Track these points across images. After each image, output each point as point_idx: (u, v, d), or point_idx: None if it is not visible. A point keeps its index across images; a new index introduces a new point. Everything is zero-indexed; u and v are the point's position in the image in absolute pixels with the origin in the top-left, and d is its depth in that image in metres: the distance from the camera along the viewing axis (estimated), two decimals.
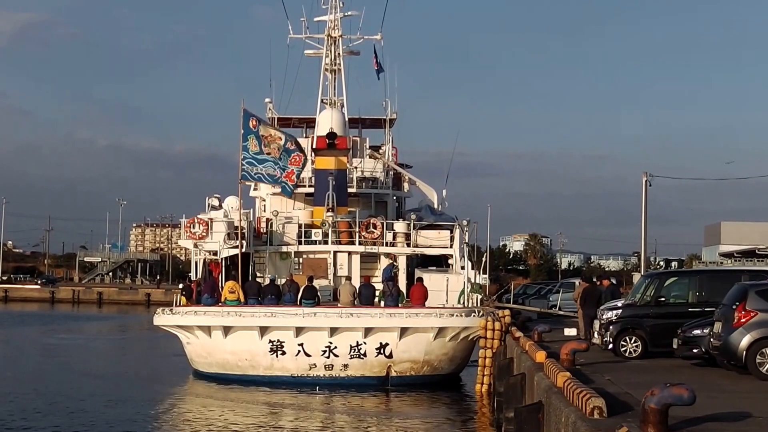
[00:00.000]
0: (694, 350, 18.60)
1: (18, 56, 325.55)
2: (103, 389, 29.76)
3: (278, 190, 35.86)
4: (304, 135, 42.97)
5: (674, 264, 66.79)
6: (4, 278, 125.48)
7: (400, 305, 31.08)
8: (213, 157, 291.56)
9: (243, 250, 32.84)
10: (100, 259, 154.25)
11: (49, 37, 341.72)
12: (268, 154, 33.06)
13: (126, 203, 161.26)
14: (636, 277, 41.88)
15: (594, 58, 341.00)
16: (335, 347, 30.16)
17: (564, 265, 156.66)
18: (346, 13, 41.25)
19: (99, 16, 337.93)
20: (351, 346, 30.16)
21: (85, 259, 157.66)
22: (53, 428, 22.23)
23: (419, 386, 29.80)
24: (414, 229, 35.11)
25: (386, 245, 34.88)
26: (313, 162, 36.86)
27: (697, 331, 18.59)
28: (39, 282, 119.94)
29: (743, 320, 16.43)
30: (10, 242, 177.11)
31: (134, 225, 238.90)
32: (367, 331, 30.08)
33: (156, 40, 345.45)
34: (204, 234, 33.03)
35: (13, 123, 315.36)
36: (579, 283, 29.76)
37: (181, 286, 38.95)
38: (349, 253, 34.76)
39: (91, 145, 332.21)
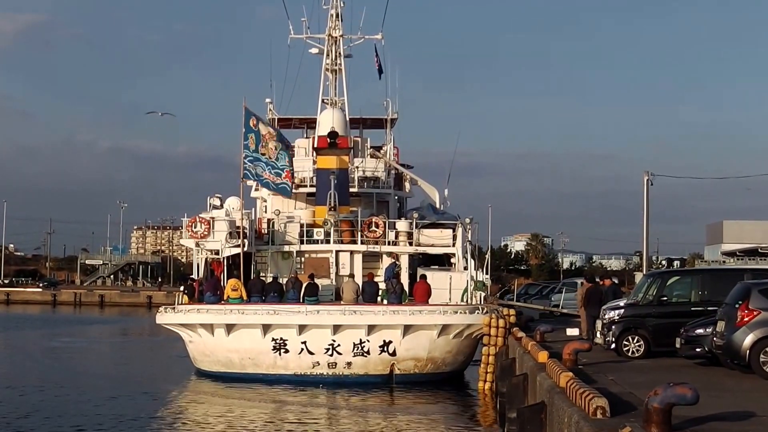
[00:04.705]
0: (697, 349, 18.57)
1: (19, 57, 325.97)
2: (106, 390, 29.77)
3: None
4: (305, 135, 43.03)
5: (676, 263, 66.52)
6: (6, 281, 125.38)
7: (403, 303, 31.06)
8: (215, 159, 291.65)
9: (245, 249, 32.86)
10: (101, 262, 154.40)
11: (50, 38, 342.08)
12: (263, 154, 33.10)
13: (127, 205, 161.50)
14: (638, 277, 41.85)
15: (595, 56, 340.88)
16: (338, 345, 30.17)
17: (566, 265, 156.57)
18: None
19: (101, 17, 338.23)
20: (354, 344, 30.16)
21: (87, 261, 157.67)
22: (57, 428, 22.23)
23: (423, 384, 29.80)
24: (416, 227, 35.11)
25: (388, 244, 34.89)
26: (314, 162, 36.93)
27: (699, 331, 18.56)
28: (40, 285, 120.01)
29: (746, 319, 16.39)
30: (12, 245, 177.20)
31: (135, 227, 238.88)
32: (371, 328, 30.08)
33: (158, 41, 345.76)
34: (206, 233, 33.03)
35: (13, 125, 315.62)
36: (582, 283, 29.73)
37: (182, 288, 38.96)
38: (351, 252, 34.77)
39: (92, 147, 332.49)
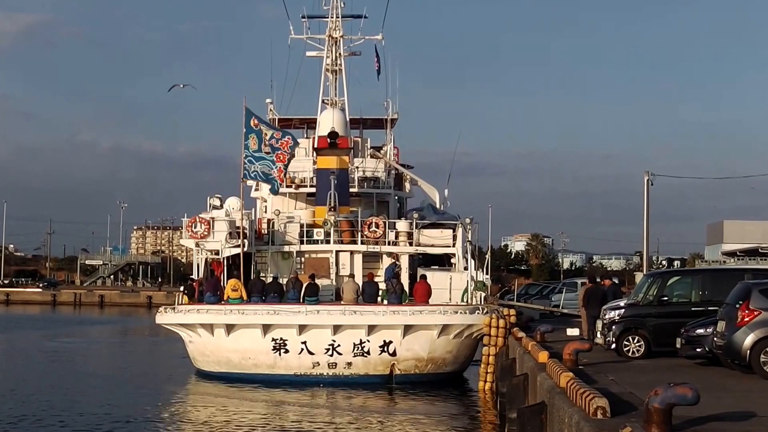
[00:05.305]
0: (698, 350, 18.54)
1: (20, 57, 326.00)
2: (106, 390, 29.79)
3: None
4: (305, 136, 43.03)
5: (677, 263, 66.51)
6: (6, 282, 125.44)
7: (403, 303, 31.04)
8: (215, 159, 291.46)
9: (245, 249, 32.85)
10: (101, 262, 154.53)
11: (50, 37, 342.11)
12: (269, 153, 33.05)
13: (127, 205, 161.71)
14: (638, 277, 41.87)
15: (595, 55, 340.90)
16: (338, 345, 30.13)
17: (566, 265, 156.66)
18: (353, 14, 41.28)
19: (101, 16, 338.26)
20: (354, 344, 30.13)
21: (87, 261, 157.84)
22: (57, 429, 22.22)
23: (423, 384, 29.77)
24: (416, 228, 35.10)
25: (388, 244, 34.87)
26: (314, 162, 36.91)
27: (700, 331, 18.54)
28: (40, 285, 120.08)
29: (747, 319, 16.37)
30: (12, 245, 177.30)
31: (135, 227, 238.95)
32: (371, 328, 30.05)
33: (158, 40, 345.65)
34: (205, 233, 33.02)
35: (14, 125, 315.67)
36: (583, 283, 29.72)
37: (182, 288, 38.95)
38: (351, 253, 34.77)
39: (92, 147, 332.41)
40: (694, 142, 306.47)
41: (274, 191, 34.64)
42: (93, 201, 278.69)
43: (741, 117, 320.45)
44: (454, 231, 35.33)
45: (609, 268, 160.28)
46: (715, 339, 17.20)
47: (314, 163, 37.13)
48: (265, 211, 38.38)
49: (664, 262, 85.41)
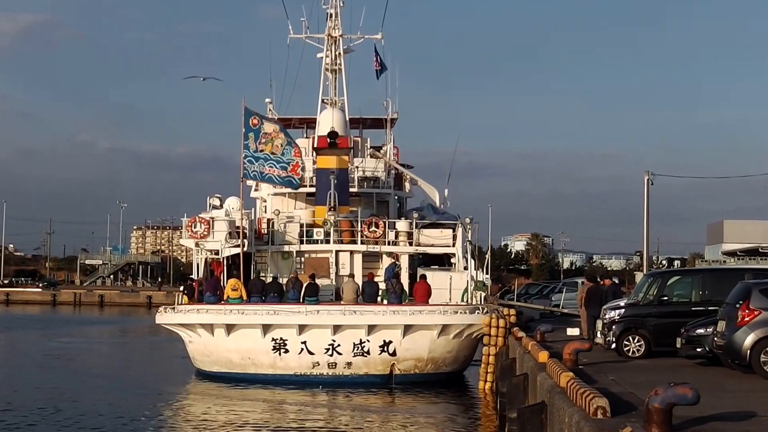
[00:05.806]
0: (698, 349, 18.52)
1: (19, 58, 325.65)
2: (105, 390, 29.77)
3: (280, 189, 35.88)
4: (305, 135, 43.04)
5: (677, 263, 66.56)
6: (6, 282, 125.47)
7: (403, 303, 31.03)
8: (215, 159, 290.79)
9: (245, 249, 32.85)
10: (101, 262, 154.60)
11: (50, 38, 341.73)
12: (262, 151, 33.02)
13: (126, 205, 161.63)
14: (638, 277, 41.85)
15: (596, 56, 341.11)
16: (338, 345, 30.14)
17: (566, 265, 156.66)
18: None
19: (101, 16, 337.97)
20: (354, 344, 30.13)
21: (86, 261, 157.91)
22: (57, 429, 22.22)
23: (423, 384, 29.78)
24: (416, 227, 35.11)
25: (388, 244, 34.88)
26: (314, 162, 36.92)
27: (700, 330, 18.52)
28: (40, 285, 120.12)
29: (747, 319, 16.36)
30: (12, 245, 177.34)
31: (135, 227, 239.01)
32: (371, 328, 30.05)
33: (158, 40, 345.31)
34: (205, 233, 33.04)
35: (14, 126, 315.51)
36: (583, 282, 29.70)
37: (182, 288, 38.97)
38: (351, 252, 34.78)
39: (92, 147, 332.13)
40: (694, 142, 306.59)
41: (295, 187, 34.58)
42: (93, 201, 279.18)
43: (741, 117, 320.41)
44: (454, 231, 35.35)
45: (609, 268, 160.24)
46: (715, 339, 17.19)
47: (314, 162, 37.12)
48: (265, 211, 38.40)
49: (664, 262, 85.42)
